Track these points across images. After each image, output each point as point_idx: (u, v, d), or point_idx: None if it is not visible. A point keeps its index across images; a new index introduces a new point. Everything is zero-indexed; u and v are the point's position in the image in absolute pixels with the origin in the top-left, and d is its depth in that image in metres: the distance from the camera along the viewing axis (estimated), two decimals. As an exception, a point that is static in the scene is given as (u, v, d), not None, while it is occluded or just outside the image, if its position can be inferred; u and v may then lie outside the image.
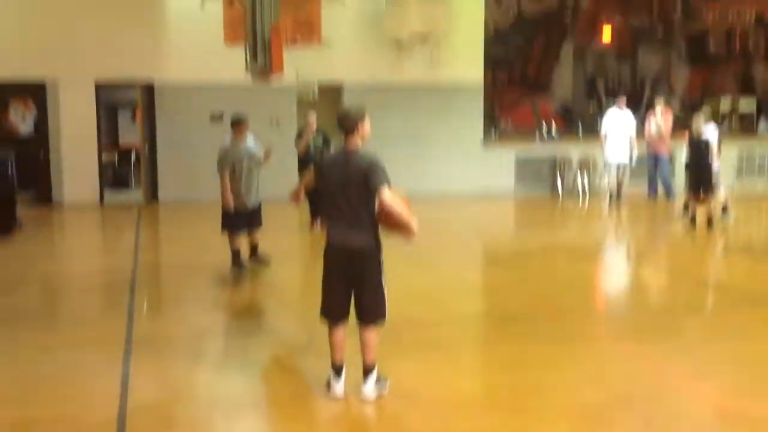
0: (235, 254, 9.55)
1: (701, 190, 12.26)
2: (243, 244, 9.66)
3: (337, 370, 5.55)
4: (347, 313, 5.53)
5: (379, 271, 5.45)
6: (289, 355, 6.64)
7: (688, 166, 12.66)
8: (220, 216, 9.62)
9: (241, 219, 9.46)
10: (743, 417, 5.30)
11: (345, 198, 5.34)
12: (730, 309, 8.38)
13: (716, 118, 16.27)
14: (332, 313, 5.54)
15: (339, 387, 5.53)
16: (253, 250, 9.73)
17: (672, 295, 9.22)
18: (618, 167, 15.46)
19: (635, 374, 6.07)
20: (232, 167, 9.33)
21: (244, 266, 9.56)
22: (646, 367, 6.26)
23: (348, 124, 5.39)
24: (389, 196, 5.21)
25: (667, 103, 16.70)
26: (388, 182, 5.26)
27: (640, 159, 15.50)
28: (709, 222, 12.34)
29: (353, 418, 5.40)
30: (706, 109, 14.36)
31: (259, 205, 9.83)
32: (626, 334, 7.33)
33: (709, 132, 12.49)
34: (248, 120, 9.58)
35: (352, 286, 5.45)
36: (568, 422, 5.20)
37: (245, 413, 5.48)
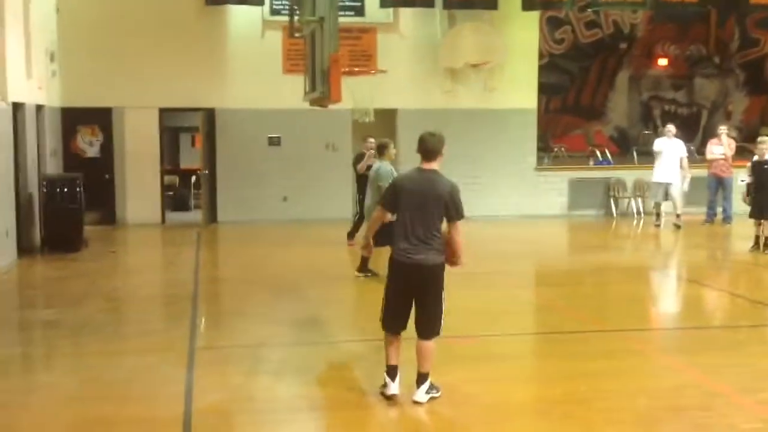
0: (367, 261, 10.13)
1: (764, 212, 12.27)
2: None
3: (392, 372, 5.71)
4: (406, 324, 5.73)
5: (442, 287, 5.67)
6: (345, 363, 6.88)
7: (750, 190, 12.65)
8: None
9: None
10: (792, 428, 5.37)
11: (421, 216, 5.56)
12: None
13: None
14: (394, 324, 5.73)
15: (394, 387, 5.70)
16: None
17: (724, 312, 9.28)
18: (664, 187, 15.28)
19: (684, 386, 6.16)
20: None
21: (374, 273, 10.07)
22: (695, 379, 6.34)
23: (433, 148, 5.67)
24: (461, 232, 5.58)
25: (730, 129, 16.67)
26: (464, 215, 5.59)
27: (694, 183, 15.40)
28: (766, 244, 12.31)
29: (408, 423, 5.57)
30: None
31: None
32: (676, 349, 7.42)
33: None
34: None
35: (416, 301, 5.65)
36: (617, 430, 5.32)
37: (302, 417, 5.72)
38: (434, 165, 5.66)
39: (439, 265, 5.61)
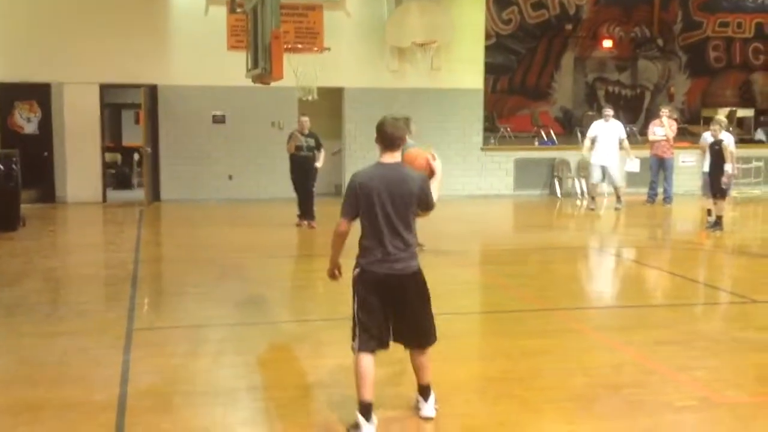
0: None
1: (716, 191, 12.51)
2: None
3: (366, 411, 4.84)
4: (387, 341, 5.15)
5: (428, 291, 5.13)
6: (286, 343, 6.82)
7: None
8: None
9: None
10: (724, 404, 5.47)
11: (396, 219, 4.83)
12: (719, 305, 8.63)
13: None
14: (374, 344, 4.97)
15: (369, 430, 4.82)
16: None
17: (661, 290, 9.45)
18: (602, 170, 15.39)
19: (621, 364, 6.24)
20: None
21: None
22: (632, 357, 6.42)
23: (400, 135, 4.88)
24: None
25: (671, 111, 16.92)
26: (434, 206, 5.08)
27: (636, 164, 15.58)
28: (717, 222, 12.57)
29: (346, 403, 5.53)
30: (721, 117, 14.33)
31: None
32: (614, 328, 7.51)
33: (727, 138, 12.72)
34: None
35: (403, 313, 5.01)
36: (555, 408, 5.36)
37: (241, 398, 5.64)
38: (397, 156, 4.90)
39: (420, 269, 5.05)
